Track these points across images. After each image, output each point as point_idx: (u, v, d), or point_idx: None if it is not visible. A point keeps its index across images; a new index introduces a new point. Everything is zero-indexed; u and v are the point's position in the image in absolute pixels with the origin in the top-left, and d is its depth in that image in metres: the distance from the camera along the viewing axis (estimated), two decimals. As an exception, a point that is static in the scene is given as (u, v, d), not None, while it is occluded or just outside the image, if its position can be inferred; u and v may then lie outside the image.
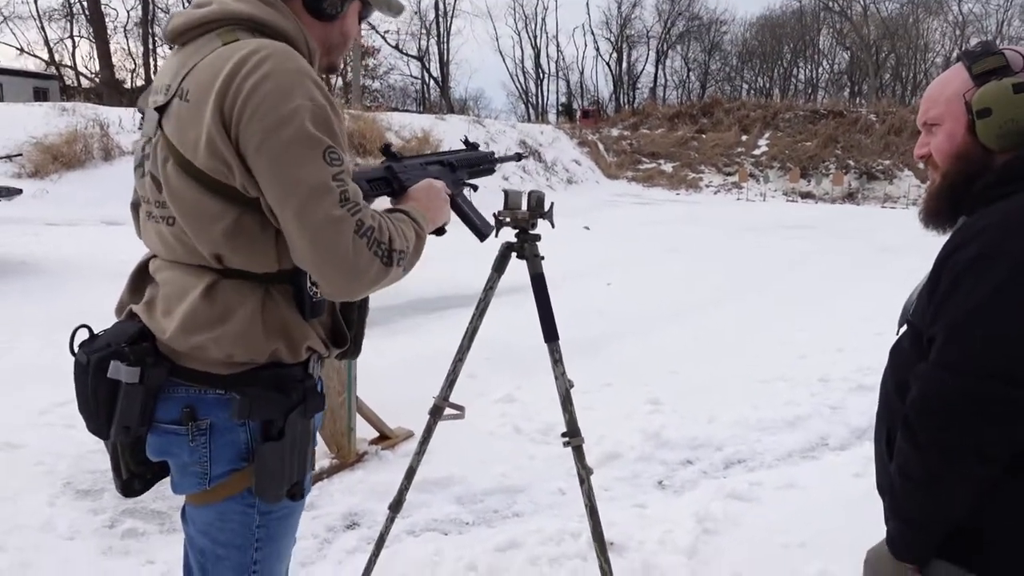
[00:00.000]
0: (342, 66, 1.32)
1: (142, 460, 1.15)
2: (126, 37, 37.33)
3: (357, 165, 1.51)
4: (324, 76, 1.22)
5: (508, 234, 1.84)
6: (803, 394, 4.07)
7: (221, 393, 1.07)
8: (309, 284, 1.06)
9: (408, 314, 5.93)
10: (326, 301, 1.11)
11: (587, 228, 7.23)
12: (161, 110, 1.05)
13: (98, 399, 1.05)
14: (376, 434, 3.18)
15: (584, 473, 1.84)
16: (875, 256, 10.31)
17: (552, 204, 1.75)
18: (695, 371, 4.50)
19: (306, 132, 0.97)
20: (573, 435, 1.79)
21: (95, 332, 1.11)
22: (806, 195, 24.28)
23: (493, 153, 1.69)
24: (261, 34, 1.06)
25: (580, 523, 2.65)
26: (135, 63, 37.74)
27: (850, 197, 23.81)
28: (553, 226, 1.77)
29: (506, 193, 1.77)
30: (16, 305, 5.57)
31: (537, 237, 1.77)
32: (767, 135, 28.04)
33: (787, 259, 9.76)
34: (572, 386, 1.90)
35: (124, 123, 14.09)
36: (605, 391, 4.05)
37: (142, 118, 1.14)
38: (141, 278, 1.16)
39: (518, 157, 1.92)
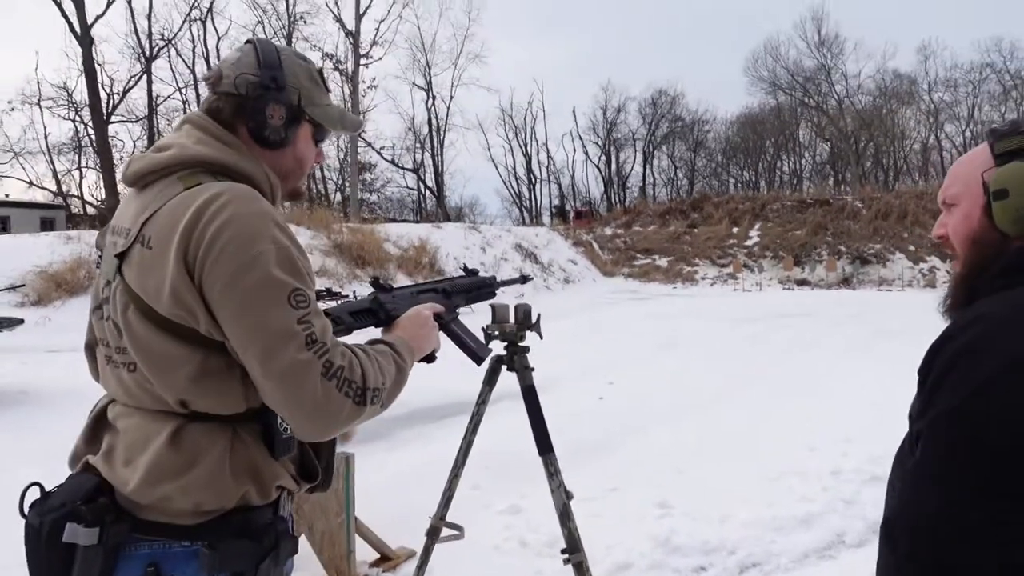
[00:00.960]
0: (304, 191, 1.29)
1: None
2: (131, 165, 38.77)
3: (349, 295, 1.49)
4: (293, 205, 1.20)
5: (497, 347, 1.85)
6: (815, 489, 3.97)
7: (187, 545, 1.01)
8: (279, 421, 1.04)
9: (410, 424, 5.86)
10: (294, 438, 1.08)
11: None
12: (121, 256, 1.04)
13: (52, 564, 0.99)
14: (376, 555, 3.08)
15: (588, 592, 1.77)
16: (873, 340, 10.30)
17: (539, 316, 1.78)
18: (703, 469, 4.40)
19: (271, 276, 0.97)
20: (573, 551, 1.74)
21: (47, 490, 1.05)
22: (802, 282, 24.51)
23: (494, 277, 1.71)
24: (223, 176, 1.06)
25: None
26: (140, 190, 39.01)
27: (845, 282, 24.03)
28: (541, 337, 1.80)
29: (493, 307, 1.80)
30: (14, 438, 5.50)
31: (526, 349, 1.78)
32: (757, 226, 28.61)
33: (785, 349, 9.74)
34: (571, 498, 1.87)
35: (127, 248, 14.40)
36: (611, 496, 3.95)
37: (99, 257, 1.14)
38: (99, 425, 1.12)
39: (523, 280, 1.93)
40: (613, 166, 51.18)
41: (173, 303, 0.98)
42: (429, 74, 43.36)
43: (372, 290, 1.34)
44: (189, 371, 1.00)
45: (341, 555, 2.81)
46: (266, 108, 1.10)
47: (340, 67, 27.66)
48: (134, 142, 37.86)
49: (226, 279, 0.96)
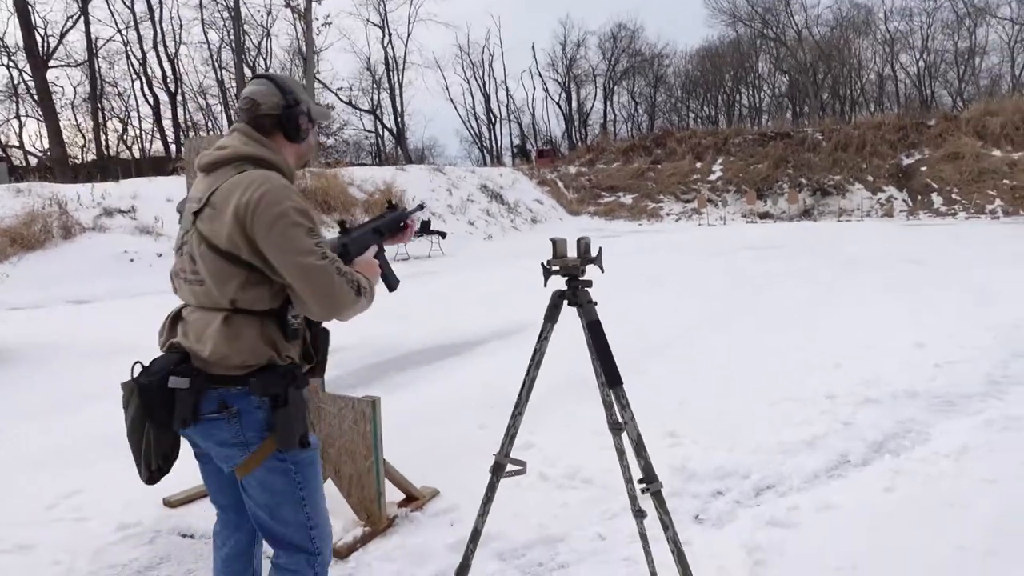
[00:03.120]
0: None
1: (167, 455, 1.65)
2: (74, 113, 36.99)
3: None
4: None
5: (558, 282, 1.83)
6: (814, 412, 4.10)
7: (241, 388, 1.61)
8: (289, 317, 1.63)
9: (404, 367, 5.86)
10: (300, 329, 1.68)
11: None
12: (197, 213, 1.65)
13: (162, 403, 1.58)
14: (402, 496, 3.11)
15: (667, 519, 1.80)
16: (844, 270, 10.56)
17: (600, 249, 1.75)
18: (703, 400, 4.51)
19: (294, 220, 1.57)
20: (651, 480, 1.76)
21: (147, 364, 1.63)
22: (764, 215, 24.86)
23: (405, 209, 2.15)
24: (260, 166, 1.67)
25: (627, 568, 2.61)
26: (85, 138, 37.38)
27: (806, 214, 24.45)
28: (603, 271, 1.78)
29: (554, 242, 1.77)
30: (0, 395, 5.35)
31: (588, 283, 1.76)
32: (720, 161, 28.74)
33: (761, 280, 9.92)
34: (623, 429, 1.87)
35: (83, 199, 13.84)
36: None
37: (180, 217, 1.75)
38: (175, 322, 1.71)
39: (420, 207, 2.35)
40: (574, 103, 50.54)
41: (228, 242, 1.58)
42: (384, 10, 41.89)
43: (340, 232, 1.91)
44: (238, 281, 1.59)
45: (371, 497, 2.83)
46: (299, 119, 1.74)
47: (291, 4, 26.47)
48: (75, 88, 36.08)
49: (267, 225, 1.56)
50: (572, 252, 1.78)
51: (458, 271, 13.08)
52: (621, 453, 1.99)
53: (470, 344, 6.69)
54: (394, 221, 2.08)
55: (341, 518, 2.94)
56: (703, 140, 30.59)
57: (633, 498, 2.10)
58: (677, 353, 5.91)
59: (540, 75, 54.87)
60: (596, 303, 1.80)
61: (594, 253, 1.78)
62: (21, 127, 36.27)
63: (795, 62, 43.04)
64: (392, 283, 2.02)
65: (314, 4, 25.37)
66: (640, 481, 1.79)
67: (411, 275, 12.97)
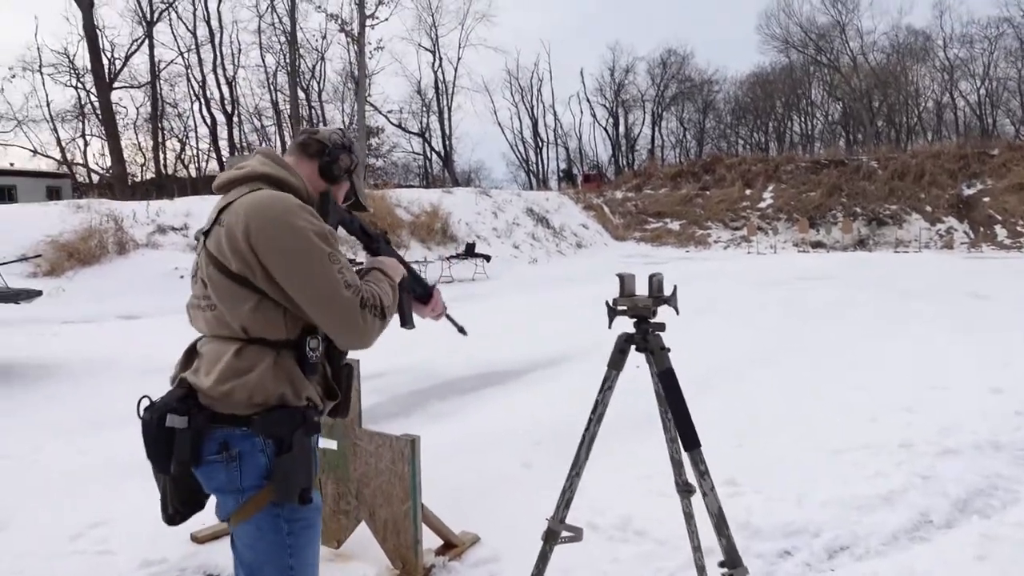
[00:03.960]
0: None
1: (184, 500, 1.52)
2: (135, 132, 38.27)
3: (363, 263, 1.84)
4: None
5: (626, 324, 1.61)
6: (888, 463, 3.77)
7: (245, 429, 1.45)
8: (308, 350, 1.48)
9: (446, 396, 5.67)
10: (320, 363, 1.53)
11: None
12: (206, 233, 1.53)
13: (159, 443, 1.44)
14: (440, 542, 2.90)
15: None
16: (905, 303, 10.05)
17: (675, 287, 1.53)
18: (763, 443, 4.20)
19: (315, 245, 1.43)
20: (734, 565, 1.52)
21: (153, 400, 1.49)
22: (817, 244, 24.16)
23: (436, 289, 1.93)
24: (277, 187, 1.54)
25: (687, 638, 2.35)
26: (144, 157, 38.58)
27: (861, 244, 23.69)
28: (678, 312, 1.56)
29: (621, 278, 1.57)
30: (40, 411, 5.33)
31: (660, 326, 1.55)
32: (771, 188, 28.15)
33: (816, 312, 9.50)
34: (693, 491, 1.64)
35: (138, 216, 14.15)
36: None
37: (197, 243, 1.59)
38: (191, 356, 1.56)
39: (461, 329, 2.10)
40: (621, 128, 50.43)
41: (239, 264, 1.44)
42: (436, 35, 42.57)
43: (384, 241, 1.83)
44: (249, 306, 1.45)
45: (407, 545, 2.62)
46: (340, 156, 1.66)
47: (345, 28, 26.98)
48: (137, 108, 37.32)
49: (282, 252, 1.41)
50: (642, 289, 1.55)
51: (502, 295, 12.91)
52: (689, 517, 1.76)
53: (515, 373, 6.48)
54: (424, 283, 1.90)
55: (375, 565, 2.75)
56: (753, 167, 30.04)
57: (702, 569, 1.85)
58: (728, 388, 5.60)
59: (588, 100, 54.82)
60: (669, 349, 1.58)
61: (668, 291, 1.56)
62: (86, 145, 37.64)
63: (849, 89, 42.18)
64: (407, 320, 1.84)
65: (367, 29, 25.83)
66: (721, 564, 1.55)
67: (454, 298, 12.82)
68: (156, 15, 33.80)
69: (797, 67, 45.37)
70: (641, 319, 1.56)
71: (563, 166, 50.35)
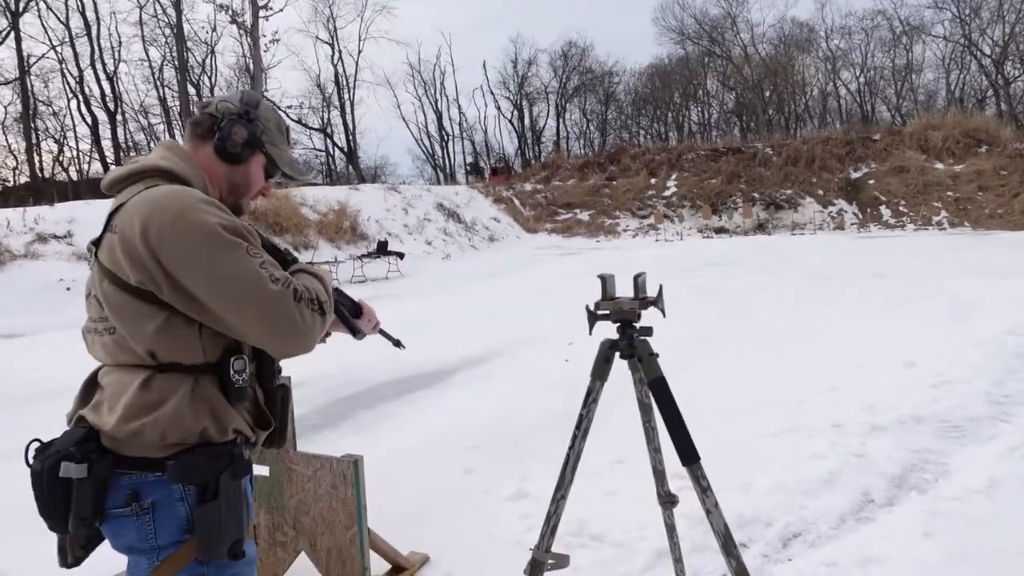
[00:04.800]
0: (246, 210, 1.49)
1: (83, 546, 1.27)
2: (5, 133, 35.32)
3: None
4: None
5: (608, 329, 1.48)
6: (823, 444, 3.83)
7: (159, 475, 1.21)
8: (232, 373, 1.25)
9: (372, 403, 5.42)
10: (248, 388, 1.29)
11: (571, 343, 7.00)
12: (96, 243, 1.27)
13: (54, 498, 1.19)
14: (387, 567, 2.70)
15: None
16: (812, 285, 10.49)
17: (661, 287, 1.41)
18: (700, 434, 4.18)
19: (226, 240, 1.20)
20: (746, 587, 1.41)
21: (46, 442, 1.24)
22: (720, 230, 25.05)
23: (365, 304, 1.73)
24: (175, 182, 1.30)
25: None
26: (17, 159, 35.67)
27: (761, 228, 24.72)
28: (664, 315, 1.44)
29: (603, 279, 1.43)
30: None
31: (647, 331, 1.42)
32: (674, 176, 28.96)
33: (731, 297, 9.77)
34: (676, 503, 1.54)
35: (13, 224, 12.98)
36: (620, 469, 3.68)
37: (89, 256, 1.33)
38: (91, 388, 1.31)
39: (397, 343, 1.94)
40: (526, 120, 50.66)
41: (139, 275, 1.20)
42: (334, 27, 41.36)
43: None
44: (155, 326, 1.21)
45: (354, 574, 2.41)
46: (232, 128, 1.38)
47: (237, 20, 25.75)
48: (5, 107, 34.46)
49: (191, 253, 1.17)
50: (624, 291, 1.42)
51: (419, 294, 12.64)
52: (672, 529, 1.65)
53: (441, 374, 6.29)
54: (348, 299, 1.67)
55: (318, 598, 2.53)
56: (656, 156, 30.83)
57: (684, 582, 1.75)
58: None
59: (492, 93, 54.88)
60: (658, 355, 1.45)
61: (652, 292, 1.44)
62: (-51, 149, 34.47)
63: (742, 79, 43.97)
64: (358, 330, 1.66)
65: (261, 21, 24.76)
66: (731, 588, 1.44)
67: (370, 298, 12.43)
68: (22, 5, 31.21)
69: (693, 58, 46.87)
70: (625, 323, 1.43)
71: (470, 160, 50.18)
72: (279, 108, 38.21)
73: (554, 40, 76.11)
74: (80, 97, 35.38)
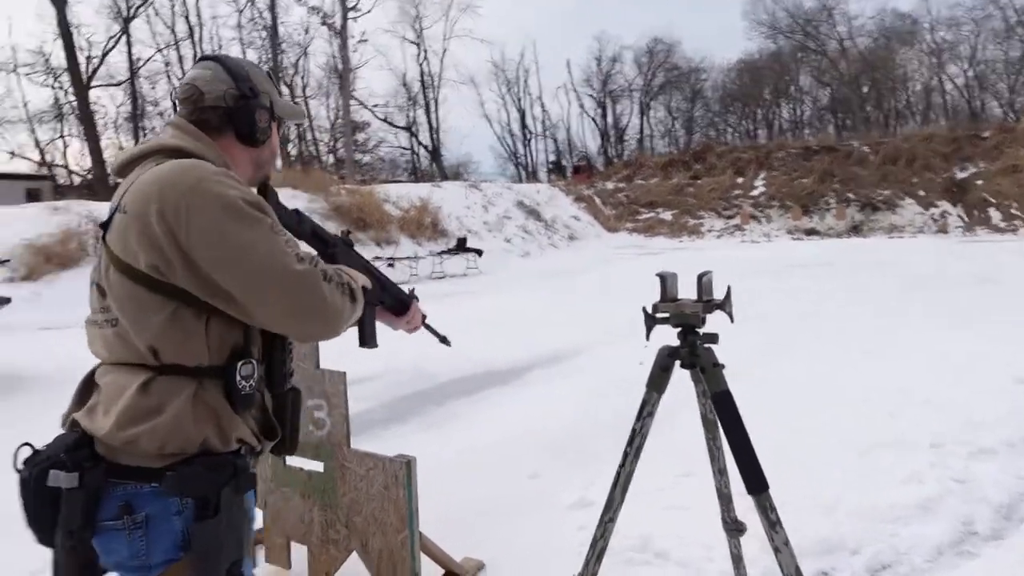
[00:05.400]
0: (271, 174, 1.41)
1: (80, 568, 1.15)
2: (116, 132, 37.62)
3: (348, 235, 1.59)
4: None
5: (668, 334, 1.32)
6: (920, 465, 3.50)
7: (155, 486, 1.12)
8: (238, 379, 1.15)
9: (442, 400, 5.38)
10: (255, 395, 1.19)
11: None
12: (104, 226, 1.18)
13: (42, 508, 1.10)
14: (441, 572, 2.61)
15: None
16: (909, 290, 9.83)
17: (729, 289, 1.25)
18: (781, 445, 3.91)
19: (248, 213, 1.11)
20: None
21: (37, 448, 1.15)
22: (811, 232, 23.99)
23: (418, 300, 1.67)
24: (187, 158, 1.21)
25: None
26: (127, 157, 37.89)
27: (855, 230, 23.53)
28: (732, 320, 1.27)
29: (663, 278, 1.28)
30: (11, 425, 5.00)
31: (712, 338, 1.26)
32: (762, 175, 27.95)
33: (818, 302, 9.27)
34: (743, 531, 1.36)
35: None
36: (687, 483, 3.47)
37: (97, 241, 1.25)
38: (87, 389, 1.22)
39: (443, 340, 1.88)
40: (610, 118, 50.10)
41: (150, 257, 1.10)
42: (420, 27, 42.03)
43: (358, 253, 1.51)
44: (161, 319, 1.12)
45: (405, 578, 2.33)
46: (255, 114, 1.30)
47: (327, 22, 26.54)
48: (117, 107, 36.69)
49: (210, 228, 1.08)
50: (687, 292, 1.27)
51: (496, 291, 12.62)
52: (738, 560, 1.47)
53: (514, 372, 6.20)
54: (399, 294, 1.61)
55: (369, 601, 2.46)
56: (744, 154, 29.86)
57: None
58: (736, 385, 5.31)
59: (575, 91, 54.32)
60: (723, 366, 1.29)
61: (720, 294, 1.27)
62: (66, 147, 36.93)
63: (838, 74, 42.02)
64: (367, 338, 1.55)
65: (350, 22, 25.40)
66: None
67: (447, 295, 12.54)
68: (132, 11, 33.14)
69: (785, 53, 45.16)
70: (688, 329, 1.27)
71: (552, 158, 50.05)
72: (366, 106, 39.15)
73: (639, 37, 74.84)
74: (183, 97, 37.28)
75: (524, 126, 48.56)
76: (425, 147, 44.23)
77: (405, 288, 1.64)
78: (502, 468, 3.82)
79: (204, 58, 1.35)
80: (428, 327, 1.73)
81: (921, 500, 3.13)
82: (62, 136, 35.74)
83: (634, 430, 1.34)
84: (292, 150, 38.75)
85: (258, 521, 2.79)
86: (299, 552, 2.64)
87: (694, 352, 1.26)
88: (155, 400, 1.12)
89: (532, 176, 45.10)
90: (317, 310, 1.13)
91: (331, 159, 39.83)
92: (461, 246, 16.83)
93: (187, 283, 1.12)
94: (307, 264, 1.13)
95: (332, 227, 16.65)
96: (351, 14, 24.98)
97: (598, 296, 11.19)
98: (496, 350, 7.00)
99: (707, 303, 1.27)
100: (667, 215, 26.85)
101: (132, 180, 1.19)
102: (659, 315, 1.28)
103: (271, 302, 1.11)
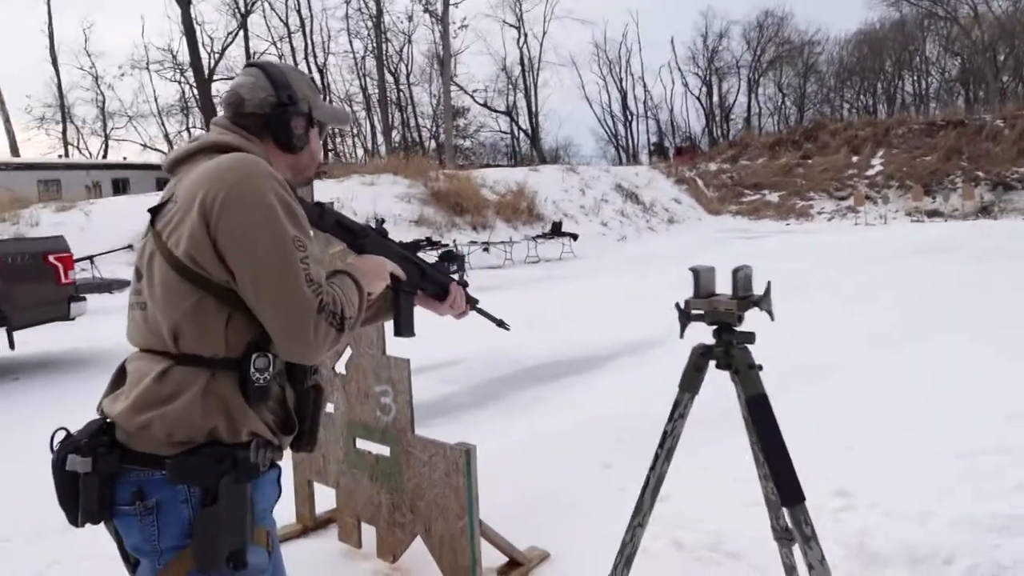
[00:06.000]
0: (313, 176, 1.48)
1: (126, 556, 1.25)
2: (236, 122, 39.79)
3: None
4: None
5: (702, 332, 1.25)
6: (1034, 474, 3.20)
7: (164, 473, 1.16)
8: (253, 371, 1.18)
9: (525, 385, 5.39)
10: (271, 388, 1.22)
11: None
12: (154, 212, 1.24)
13: (64, 490, 1.18)
14: (504, 559, 2.62)
15: None
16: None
17: (769, 284, 1.16)
18: (878, 445, 3.69)
19: (279, 223, 1.16)
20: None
21: (70, 432, 1.22)
22: (933, 213, 22.32)
23: (467, 285, 1.68)
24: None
25: None
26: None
27: (984, 211, 21.69)
28: (772, 318, 1.19)
29: (696, 273, 1.21)
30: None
31: (749, 337, 1.18)
32: (880, 153, 26.22)
33: (939, 291, 8.62)
34: (794, 542, 1.27)
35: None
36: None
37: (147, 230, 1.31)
38: (120, 378, 1.27)
39: (500, 323, 1.83)
40: (715, 97, 48.38)
41: (189, 245, 1.16)
42: (520, 10, 41.98)
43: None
44: (186, 305, 1.17)
45: (464, 565, 2.35)
46: (291, 121, 1.34)
47: (429, 8, 26.97)
48: (238, 73, 38.94)
49: (238, 226, 1.14)
50: (724, 287, 1.19)
51: (590, 275, 12.51)
52: (791, 570, 1.38)
53: (599, 359, 6.13)
54: (439, 278, 1.60)
55: (432, 584, 2.51)
56: (860, 131, 28.09)
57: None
58: (837, 379, 5.05)
59: (679, 69, 52.85)
60: (760, 367, 1.20)
61: (759, 289, 1.19)
62: (191, 138, 39.58)
63: (969, 42, 38.70)
64: (403, 332, 1.56)
65: (451, 8, 25.70)
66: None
67: (539, 279, 12.55)
68: (249, 6, 34.88)
69: (909, 21, 42.02)
70: (723, 327, 1.19)
71: (654, 139, 48.95)
72: (466, 91, 39.57)
73: (748, 11, 71.69)
74: (295, 88, 39.03)
75: (625, 107, 47.73)
76: (524, 131, 44.32)
77: (474, 283, 1.65)
78: (575, 456, 3.79)
79: (249, 64, 1.40)
80: (480, 311, 1.72)
81: (1031, 511, 2.85)
82: (188, 128, 38.32)
83: (665, 432, 1.27)
84: (396, 136, 39.80)
85: (331, 500, 2.91)
86: (368, 533, 2.72)
87: (728, 352, 1.18)
88: (169, 388, 1.17)
89: (633, 158, 44.33)
90: (301, 338, 1.16)
91: (433, 145, 40.60)
92: (556, 230, 16.77)
93: (213, 267, 1.16)
94: (311, 290, 1.16)
95: (431, 211, 16.99)
96: (452, 1, 25.26)
97: (690, 284, 10.88)
98: (581, 336, 6.94)
99: (743, 300, 1.18)
100: (774, 197, 25.69)
101: (185, 173, 1.26)
102: (693, 312, 1.20)
103: (268, 309, 1.16)
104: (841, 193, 24.85)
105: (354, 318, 1.25)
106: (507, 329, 1.86)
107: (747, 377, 1.18)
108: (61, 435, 1.22)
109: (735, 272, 1.20)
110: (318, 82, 36.69)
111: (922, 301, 7.95)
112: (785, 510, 1.18)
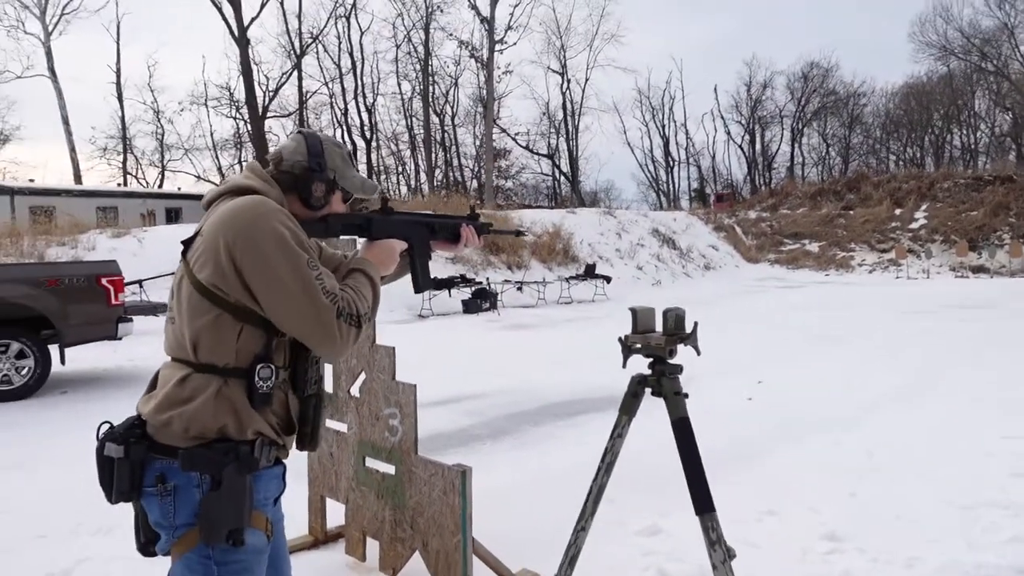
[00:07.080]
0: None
1: (146, 540, 1.47)
2: (285, 158, 41.18)
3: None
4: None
5: (639, 365, 1.43)
6: (1027, 528, 3.23)
7: (179, 462, 1.39)
8: (258, 380, 1.41)
9: (540, 421, 5.54)
10: (274, 395, 1.45)
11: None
12: (186, 243, 1.49)
13: (103, 472, 1.42)
14: (497, 578, 2.76)
15: None
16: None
17: (696, 324, 1.34)
18: (880, 493, 3.74)
19: (292, 250, 1.39)
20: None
21: (113, 425, 1.45)
22: (978, 269, 21.91)
23: (478, 217, 2.00)
24: None
25: None
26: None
27: (1032, 269, 21.20)
28: (699, 353, 1.36)
29: (634, 312, 1.39)
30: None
31: (677, 369, 1.36)
32: (924, 207, 25.92)
33: (969, 348, 8.52)
34: (733, 556, 1.42)
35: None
36: (768, 521, 3.42)
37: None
38: (155, 381, 1.50)
39: (518, 233, 2.18)
40: (757, 146, 48.43)
41: (213, 274, 1.39)
42: (564, 57, 42.87)
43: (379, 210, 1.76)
44: (206, 320, 1.40)
45: (457, 579, 2.51)
46: (311, 185, 1.58)
47: (475, 55, 27.83)
48: (287, 135, 40.26)
49: (259, 262, 1.37)
50: (659, 326, 1.37)
51: (621, 318, 12.60)
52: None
53: (614, 399, 6.21)
54: (450, 224, 1.95)
55: (427, 597, 2.66)
56: (904, 184, 27.84)
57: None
58: (850, 429, 5.07)
59: (722, 117, 53.20)
60: (687, 395, 1.38)
61: (688, 327, 1.37)
62: (243, 171, 41.06)
63: (1020, 97, 38.20)
64: (421, 284, 1.84)
65: (496, 54, 26.47)
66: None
67: (571, 319, 12.70)
68: (304, 48, 36.37)
69: (957, 75, 41.72)
70: (657, 359, 1.37)
71: (695, 185, 49.06)
72: (508, 134, 40.30)
73: (793, 61, 72.03)
74: (344, 127, 40.36)
75: (667, 153, 48.07)
76: (564, 174, 44.87)
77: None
78: (580, 489, 3.90)
79: (299, 131, 1.66)
80: (496, 231, 2.06)
81: (1019, 564, 2.89)
82: (240, 162, 39.78)
83: (606, 449, 1.45)
84: (439, 175, 40.67)
85: (340, 516, 3.10)
86: (372, 547, 2.89)
87: (660, 381, 1.35)
88: (188, 392, 1.40)
89: (674, 203, 44.44)
90: (330, 340, 1.40)
91: (474, 184, 41.36)
92: (589, 272, 16.95)
93: (241, 295, 1.39)
94: (328, 299, 1.40)
95: (467, 250, 17.34)
96: (497, 47, 26.05)
97: (720, 328, 10.91)
98: (603, 377, 7.07)
99: (671, 336, 1.36)
100: (814, 246, 25.52)
101: (214, 210, 1.50)
102: (632, 345, 1.38)
103: (293, 325, 1.40)
104: (883, 245, 24.58)
105: (367, 312, 1.49)
106: (524, 235, 2.18)
107: (673, 402, 1.35)
108: (105, 428, 1.46)
109: (666, 313, 1.39)
110: (367, 120, 37.48)
111: (955, 355, 7.88)
112: (697, 517, 1.33)
